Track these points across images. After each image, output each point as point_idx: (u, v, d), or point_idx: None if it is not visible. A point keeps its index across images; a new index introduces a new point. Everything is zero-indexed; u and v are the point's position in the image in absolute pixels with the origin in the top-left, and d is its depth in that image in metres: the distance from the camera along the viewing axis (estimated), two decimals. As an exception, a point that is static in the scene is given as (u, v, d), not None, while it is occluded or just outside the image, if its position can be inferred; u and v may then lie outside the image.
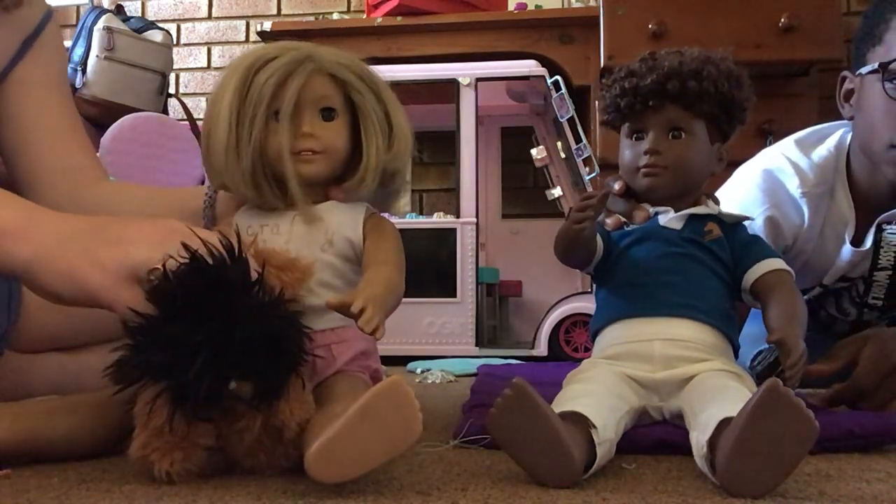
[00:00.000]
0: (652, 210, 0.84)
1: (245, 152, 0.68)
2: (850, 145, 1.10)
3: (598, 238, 0.82)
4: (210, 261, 0.56)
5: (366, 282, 0.63)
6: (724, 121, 0.84)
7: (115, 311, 0.56)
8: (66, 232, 0.59)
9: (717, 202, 0.87)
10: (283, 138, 0.68)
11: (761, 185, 1.10)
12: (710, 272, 0.81)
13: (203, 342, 0.54)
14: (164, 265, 0.55)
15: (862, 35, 1.06)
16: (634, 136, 0.85)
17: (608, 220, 0.85)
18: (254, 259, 0.61)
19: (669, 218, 0.82)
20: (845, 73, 1.08)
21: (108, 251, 0.57)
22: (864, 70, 1.02)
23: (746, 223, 0.87)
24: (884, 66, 0.97)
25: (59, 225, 0.60)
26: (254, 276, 0.58)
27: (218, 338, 0.54)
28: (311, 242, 0.69)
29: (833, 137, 1.11)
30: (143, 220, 0.61)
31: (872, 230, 1.06)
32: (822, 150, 1.10)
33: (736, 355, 0.81)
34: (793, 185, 1.08)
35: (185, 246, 0.56)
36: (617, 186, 0.86)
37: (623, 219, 0.85)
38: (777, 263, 0.81)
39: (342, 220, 0.70)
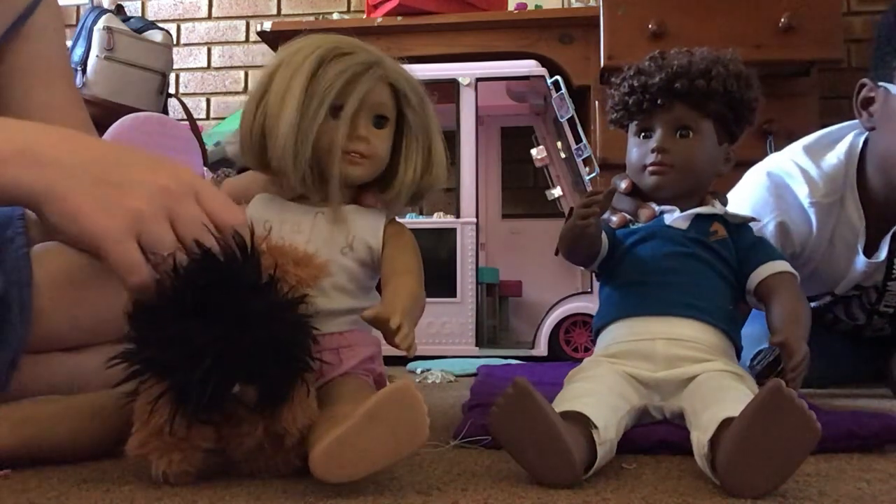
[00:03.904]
0: (657, 209, 0.84)
1: (306, 146, 0.67)
2: (862, 151, 1.06)
3: (603, 236, 0.82)
4: (221, 258, 0.55)
5: (395, 294, 0.63)
6: (732, 121, 0.84)
7: (109, 263, 0.53)
8: (75, 165, 0.54)
9: (724, 202, 0.87)
10: (339, 136, 0.68)
11: (771, 188, 1.09)
12: (714, 272, 0.81)
13: (210, 344, 0.52)
14: (174, 259, 0.54)
15: (886, 42, 1.01)
16: (642, 134, 0.85)
17: (613, 218, 0.85)
18: (268, 255, 0.60)
19: (675, 217, 0.83)
20: (865, 80, 1.05)
21: (114, 195, 0.53)
22: (892, 88, 0.98)
23: (757, 226, 0.86)
24: None
25: (67, 153, 0.55)
26: (266, 276, 0.57)
27: (226, 340, 0.53)
28: (332, 244, 0.69)
29: (843, 143, 1.09)
30: (154, 165, 0.57)
31: (887, 240, 1.04)
32: (832, 158, 1.08)
33: (738, 356, 0.81)
34: (802, 194, 1.07)
35: (198, 242, 0.55)
36: (623, 185, 0.86)
37: (628, 217, 0.85)
38: (782, 266, 0.81)
39: (363, 225, 0.70)
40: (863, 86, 1.06)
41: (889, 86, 0.99)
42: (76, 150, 0.56)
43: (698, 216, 0.83)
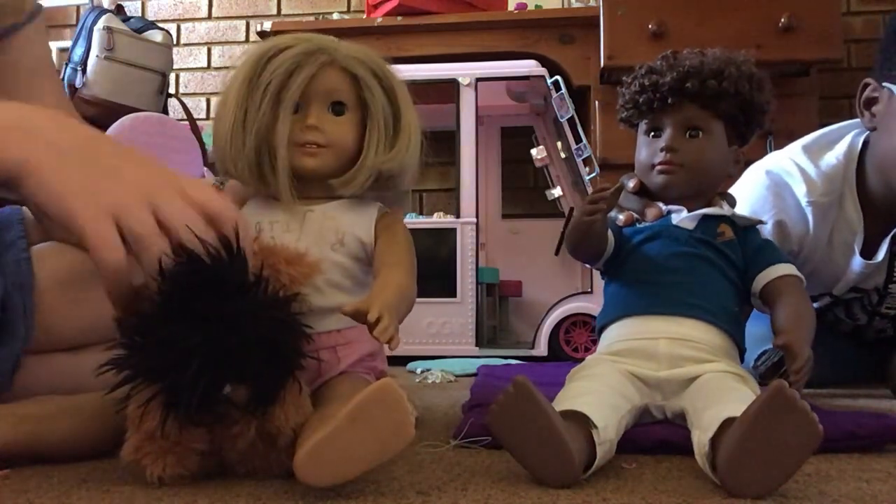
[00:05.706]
0: (665, 208, 0.84)
1: (249, 140, 0.67)
2: (862, 151, 1.06)
3: (610, 234, 0.82)
4: (207, 260, 0.55)
5: (379, 287, 0.62)
6: (743, 123, 0.84)
7: (83, 242, 0.53)
8: (63, 145, 0.55)
9: (732, 203, 0.86)
10: (281, 129, 0.67)
11: (770, 187, 1.09)
12: (719, 274, 0.81)
13: (198, 346, 0.52)
14: (160, 263, 0.54)
15: (893, 42, 1.00)
16: (651, 133, 0.85)
17: (620, 217, 0.85)
18: (258, 255, 0.60)
19: (682, 217, 0.83)
20: (869, 80, 1.04)
21: (99, 179, 0.54)
22: (895, 88, 0.97)
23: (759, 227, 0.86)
24: None
25: (56, 133, 0.55)
26: (253, 276, 0.57)
27: (213, 341, 0.52)
28: (322, 241, 0.68)
29: (842, 143, 1.08)
30: (140, 161, 0.57)
31: (886, 242, 1.04)
32: (831, 158, 1.07)
33: (742, 358, 0.81)
34: (800, 192, 1.07)
35: (183, 245, 0.55)
36: (631, 184, 0.86)
37: (636, 216, 0.85)
38: (788, 269, 0.81)
39: (354, 220, 0.70)
40: (866, 85, 1.05)
41: (894, 87, 0.99)
42: (67, 132, 0.56)
43: (705, 217, 0.83)
